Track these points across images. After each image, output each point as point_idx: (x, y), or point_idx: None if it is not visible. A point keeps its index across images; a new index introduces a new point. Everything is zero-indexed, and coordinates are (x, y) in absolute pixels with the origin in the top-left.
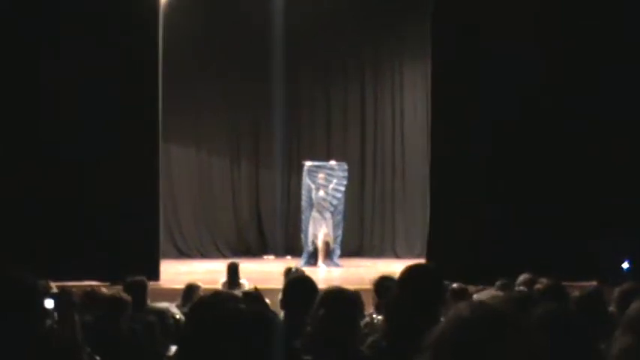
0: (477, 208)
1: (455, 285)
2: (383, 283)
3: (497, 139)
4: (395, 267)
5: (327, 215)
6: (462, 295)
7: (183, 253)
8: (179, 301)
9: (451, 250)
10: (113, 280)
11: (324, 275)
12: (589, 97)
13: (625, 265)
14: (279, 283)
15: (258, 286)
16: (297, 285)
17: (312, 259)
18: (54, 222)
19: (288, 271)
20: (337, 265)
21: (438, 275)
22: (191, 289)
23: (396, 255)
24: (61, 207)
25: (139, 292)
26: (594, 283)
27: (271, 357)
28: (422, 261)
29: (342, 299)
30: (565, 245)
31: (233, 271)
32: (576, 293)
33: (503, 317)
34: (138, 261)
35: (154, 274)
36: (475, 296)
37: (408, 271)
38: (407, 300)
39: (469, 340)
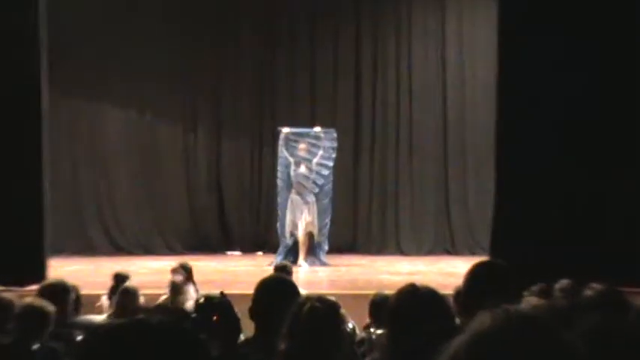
0: (547, 199)
1: (536, 286)
2: (380, 303)
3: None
4: (399, 267)
5: (311, 198)
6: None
7: (120, 248)
8: (112, 311)
9: (515, 247)
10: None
11: (307, 277)
12: None
13: None
14: (247, 287)
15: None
16: (272, 289)
17: (291, 256)
18: None
19: (280, 269)
20: (324, 264)
21: (509, 274)
22: (126, 295)
23: (401, 251)
24: None
25: (60, 301)
26: None
27: None
28: (433, 259)
29: (313, 314)
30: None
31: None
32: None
33: (536, 331)
34: (14, 258)
35: (37, 275)
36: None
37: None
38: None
39: None
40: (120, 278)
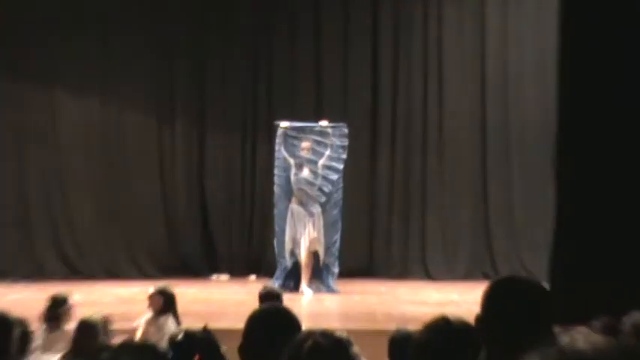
0: (621, 218)
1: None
2: (402, 340)
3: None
4: (426, 295)
5: (316, 209)
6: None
7: (78, 272)
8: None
9: (580, 274)
10: None
11: (311, 307)
12: None
13: None
14: (236, 320)
15: (207, 325)
16: (267, 322)
17: (291, 280)
18: None
19: (267, 296)
20: (332, 291)
21: (540, 293)
22: (85, 330)
23: (429, 275)
24: None
25: (1, 338)
26: None
27: None
28: (469, 285)
29: (316, 353)
30: None
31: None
32: None
33: None
34: None
35: None
36: (563, 338)
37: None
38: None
39: None
40: (57, 302)
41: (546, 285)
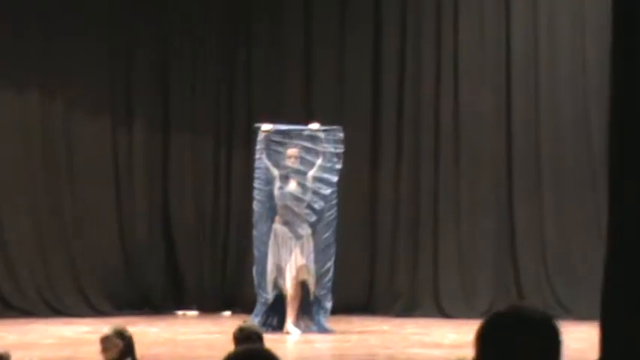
0: None
1: None
2: None
3: None
4: (439, 335)
5: (305, 230)
6: None
7: (12, 307)
8: None
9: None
10: None
11: (299, 350)
12: None
13: None
14: None
15: None
16: None
17: (274, 318)
18: None
19: (244, 337)
20: (325, 330)
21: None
22: None
23: (442, 311)
24: None
25: None
26: None
27: None
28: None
29: None
30: None
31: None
32: None
33: None
34: None
35: None
36: None
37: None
38: None
39: None
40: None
41: (557, 324)
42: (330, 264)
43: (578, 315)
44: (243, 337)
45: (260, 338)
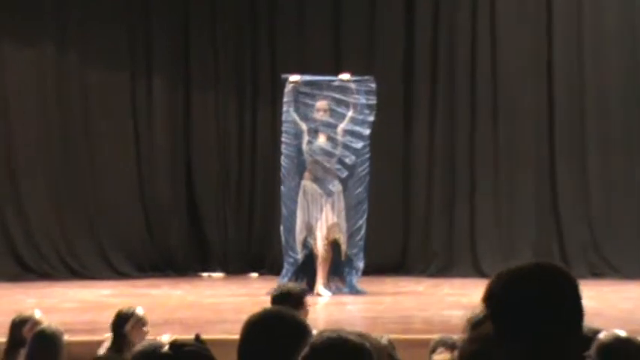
0: None
1: None
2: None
3: None
4: (478, 296)
5: (335, 187)
6: None
7: (32, 270)
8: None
9: None
10: None
11: (329, 312)
12: None
13: None
14: (234, 328)
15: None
16: (267, 331)
17: (304, 279)
18: None
19: (282, 298)
20: (357, 292)
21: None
22: (41, 342)
23: (480, 271)
24: None
25: None
26: None
27: None
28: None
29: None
30: None
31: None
32: None
33: None
34: None
35: None
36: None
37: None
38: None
39: None
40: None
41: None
42: (362, 222)
43: (625, 274)
44: (282, 298)
45: (301, 300)
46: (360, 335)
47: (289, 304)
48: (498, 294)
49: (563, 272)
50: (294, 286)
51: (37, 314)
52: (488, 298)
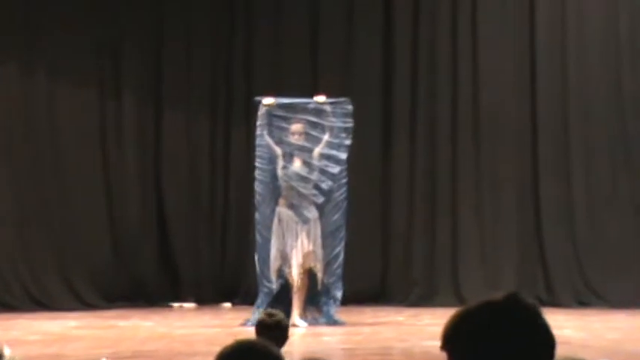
0: None
1: None
2: None
3: None
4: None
5: (311, 213)
6: None
7: None
8: None
9: None
10: None
11: (306, 343)
12: None
13: None
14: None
15: None
16: (238, 358)
17: (279, 308)
18: None
19: (265, 327)
20: (335, 322)
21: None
22: None
23: (462, 300)
24: None
25: None
26: None
27: None
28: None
29: None
30: None
31: None
32: None
33: None
34: None
35: None
36: None
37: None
38: None
39: None
40: None
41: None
42: (339, 249)
43: (612, 302)
44: (266, 325)
45: (283, 327)
46: None
47: (275, 331)
48: (451, 338)
49: (519, 303)
50: (283, 317)
51: (7, 351)
52: (444, 344)
